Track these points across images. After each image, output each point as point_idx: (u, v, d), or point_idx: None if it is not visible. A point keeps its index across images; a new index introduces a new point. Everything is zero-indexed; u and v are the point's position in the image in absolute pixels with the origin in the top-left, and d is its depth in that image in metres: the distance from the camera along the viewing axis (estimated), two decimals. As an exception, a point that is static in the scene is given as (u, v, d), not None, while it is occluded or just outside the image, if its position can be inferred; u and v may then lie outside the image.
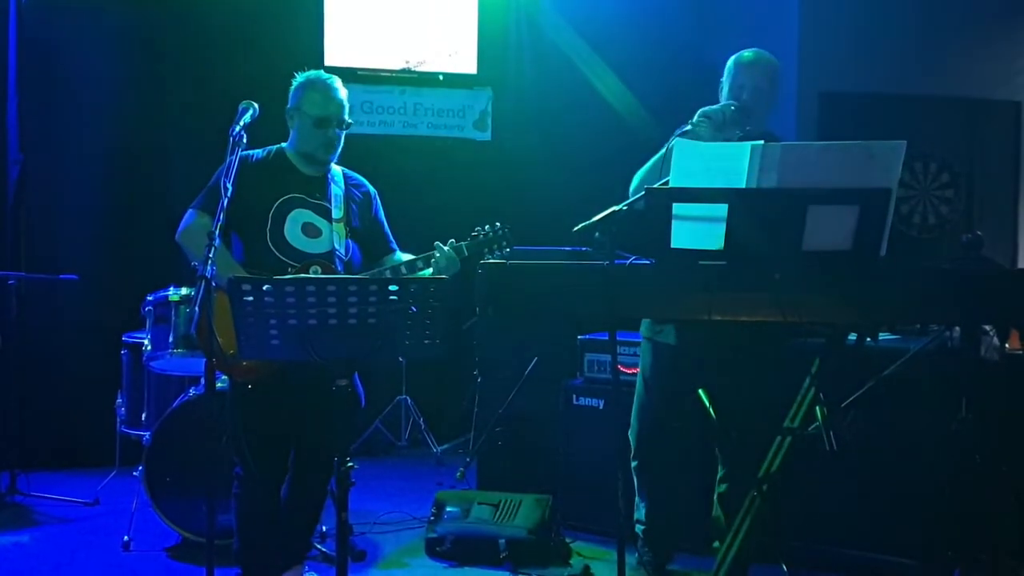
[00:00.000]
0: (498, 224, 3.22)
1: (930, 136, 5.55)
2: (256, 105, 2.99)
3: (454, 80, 5.97)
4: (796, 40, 5.45)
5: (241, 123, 2.84)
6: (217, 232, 2.56)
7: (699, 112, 3.09)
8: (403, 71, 5.91)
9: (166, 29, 5.41)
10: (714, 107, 3.12)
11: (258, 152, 3.18)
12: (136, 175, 5.31)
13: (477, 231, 3.19)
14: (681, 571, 3.60)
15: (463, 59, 5.96)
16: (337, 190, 3.21)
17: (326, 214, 3.15)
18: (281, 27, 5.55)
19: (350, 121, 3.20)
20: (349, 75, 5.81)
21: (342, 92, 3.18)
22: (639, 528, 3.53)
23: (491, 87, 6.01)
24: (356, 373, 3.10)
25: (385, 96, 5.91)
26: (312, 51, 5.73)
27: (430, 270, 3.11)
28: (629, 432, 3.49)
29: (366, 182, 3.37)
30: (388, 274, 3.12)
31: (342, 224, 3.16)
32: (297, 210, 3.11)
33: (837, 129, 5.23)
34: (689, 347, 3.21)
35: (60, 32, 5.22)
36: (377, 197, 3.38)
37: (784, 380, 2.99)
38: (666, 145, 3.05)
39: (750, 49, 3.31)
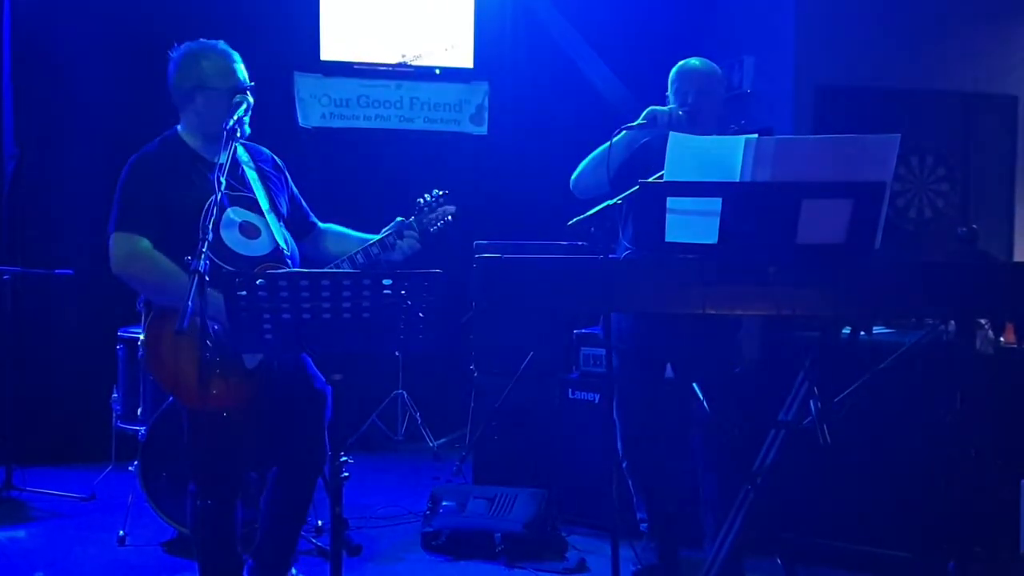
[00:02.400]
0: (437, 191, 3.06)
1: (926, 130, 5.54)
2: (251, 98, 2.95)
3: (451, 74, 5.95)
4: (792, 34, 5.44)
5: (235, 117, 2.76)
6: (210, 227, 2.49)
7: (647, 111, 3.18)
8: (399, 65, 5.90)
9: (162, 22, 5.38)
10: (662, 108, 3.23)
11: (149, 147, 2.84)
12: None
13: (419, 202, 3.02)
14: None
15: (460, 53, 5.94)
16: (251, 172, 2.90)
17: (254, 207, 2.84)
18: (277, 21, 5.53)
19: (252, 84, 2.86)
20: (345, 69, 5.81)
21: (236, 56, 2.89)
22: (644, 526, 3.54)
23: (488, 81, 6.00)
24: (310, 370, 2.93)
25: (381, 90, 5.90)
26: (308, 45, 5.72)
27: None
28: (617, 436, 3.49)
29: (270, 153, 3.05)
30: (346, 266, 2.91)
31: (273, 214, 2.88)
32: (228, 210, 2.77)
33: (833, 123, 5.23)
34: (651, 344, 3.29)
35: (56, 25, 5.21)
36: (285, 168, 3.08)
37: (778, 374, 3.00)
38: (610, 140, 3.17)
39: (694, 58, 3.42)
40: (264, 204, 2.86)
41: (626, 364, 3.43)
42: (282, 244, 2.86)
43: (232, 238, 2.77)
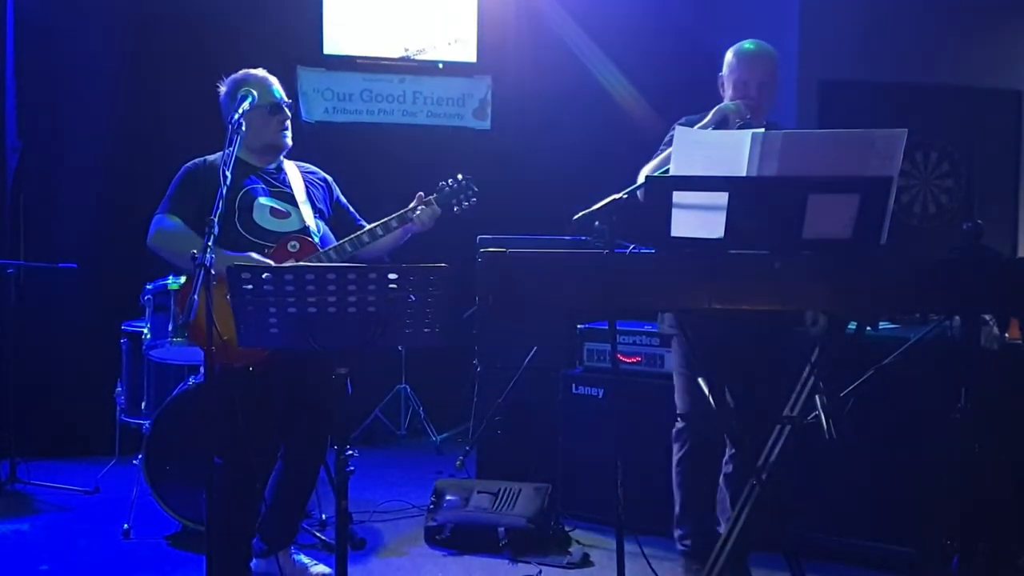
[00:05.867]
0: (460, 176, 3.36)
1: (931, 125, 5.53)
2: (255, 93, 3.00)
3: (454, 68, 5.95)
4: (796, 28, 5.44)
5: (240, 111, 2.87)
6: (216, 220, 2.55)
7: (716, 109, 3.05)
8: (403, 59, 5.89)
9: (165, 17, 5.39)
10: (730, 105, 3.07)
11: (210, 156, 3.22)
12: (135, 163, 5.29)
13: (442, 184, 3.34)
14: (678, 558, 3.60)
15: (463, 47, 5.94)
16: (294, 178, 3.29)
17: (289, 199, 3.22)
18: (280, 15, 5.53)
19: (290, 101, 3.30)
20: (348, 63, 5.81)
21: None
22: (684, 546, 3.29)
23: (491, 76, 5.99)
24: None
25: (384, 85, 5.89)
26: (311, 39, 5.72)
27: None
28: (675, 430, 3.29)
29: (318, 170, 3.45)
30: (365, 238, 3.20)
31: (308, 206, 3.24)
32: (261, 198, 3.17)
33: (837, 118, 5.22)
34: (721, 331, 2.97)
35: (59, 19, 5.20)
36: (334, 183, 3.46)
37: (784, 368, 2.99)
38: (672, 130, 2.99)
39: (749, 41, 3.22)
40: (299, 197, 3.23)
41: (693, 353, 3.04)
42: (310, 225, 3.18)
43: (262, 218, 3.15)
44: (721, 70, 3.26)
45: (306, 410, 3.17)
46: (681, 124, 3.17)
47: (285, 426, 3.19)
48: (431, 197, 3.29)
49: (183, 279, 3.69)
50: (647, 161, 3.20)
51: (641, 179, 3.16)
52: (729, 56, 3.22)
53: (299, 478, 3.30)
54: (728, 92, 3.21)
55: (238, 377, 3.02)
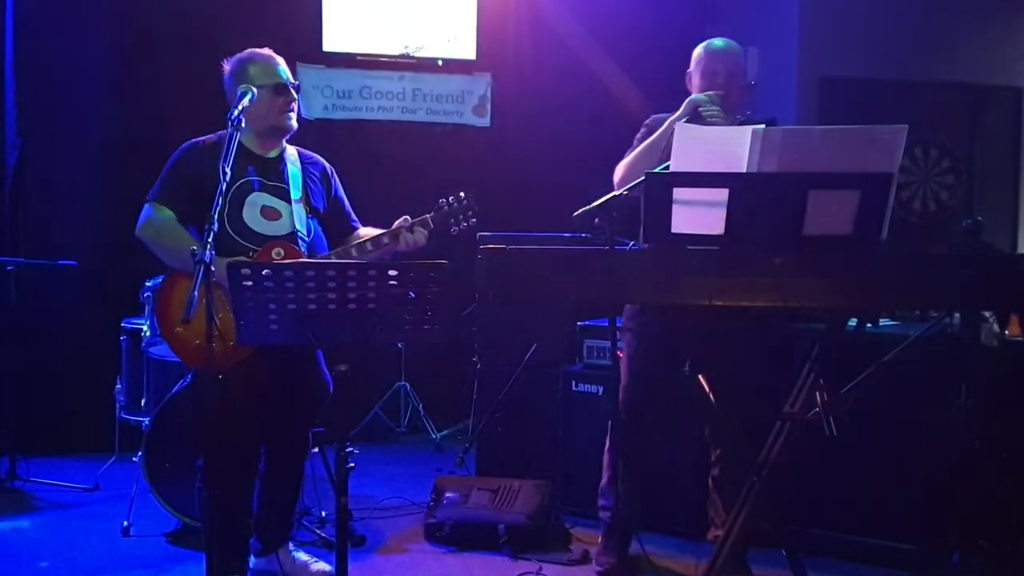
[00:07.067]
0: (462, 194, 3.20)
1: (930, 122, 5.54)
2: (255, 89, 2.99)
3: (453, 65, 5.94)
4: (797, 25, 5.44)
5: (240, 107, 2.84)
6: (215, 217, 2.54)
7: (688, 100, 3.12)
8: (402, 56, 5.88)
9: (164, 14, 5.37)
10: (702, 96, 3.14)
11: (210, 136, 3.11)
12: (134, 160, 5.26)
13: (441, 203, 3.18)
14: (678, 556, 3.61)
15: (462, 44, 5.93)
16: (294, 170, 3.17)
17: (284, 195, 3.10)
18: (279, 12, 5.52)
19: (297, 83, 3.21)
20: (348, 60, 5.80)
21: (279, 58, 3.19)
22: (605, 515, 3.46)
23: (490, 73, 5.99)
24: (319, 357, 3.14)
25: (384, 81, 5.88)
26: (310, 36, 5.71)
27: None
28: (611, 422, 3.41)
29: (321, 159, 3.34)
30: (354, 252, 3.10)
31: (301, 204, 3.12)
32: (255, 193, 3.06)
33: (837, 115, 5.22)
34: (676, 332, 3.13)
35: (57, 16, 5.19)
36: (335, 174, 3.35)
37: (784, 365, 2.99)
38: (648, 131, 3.17)
39: (718, 38, 3.34)
40: (295, 195, 3.12)
41: (644, 344, 3.28)
42: (300, 229, 3.08)
43: (252, 217, 3.04)
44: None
45: (283, 406, 3.12)
46: (656, 118, 3.28)
47: (263, 422, 3.12)
48: (427, 217, 3.14)
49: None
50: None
51: (617, 175, 3.21)
52: (698, 51, 3.32)
53: (282, 475, 3.26)
54: (697, 84, 3.29)
55: (215, 377, 2.91)
